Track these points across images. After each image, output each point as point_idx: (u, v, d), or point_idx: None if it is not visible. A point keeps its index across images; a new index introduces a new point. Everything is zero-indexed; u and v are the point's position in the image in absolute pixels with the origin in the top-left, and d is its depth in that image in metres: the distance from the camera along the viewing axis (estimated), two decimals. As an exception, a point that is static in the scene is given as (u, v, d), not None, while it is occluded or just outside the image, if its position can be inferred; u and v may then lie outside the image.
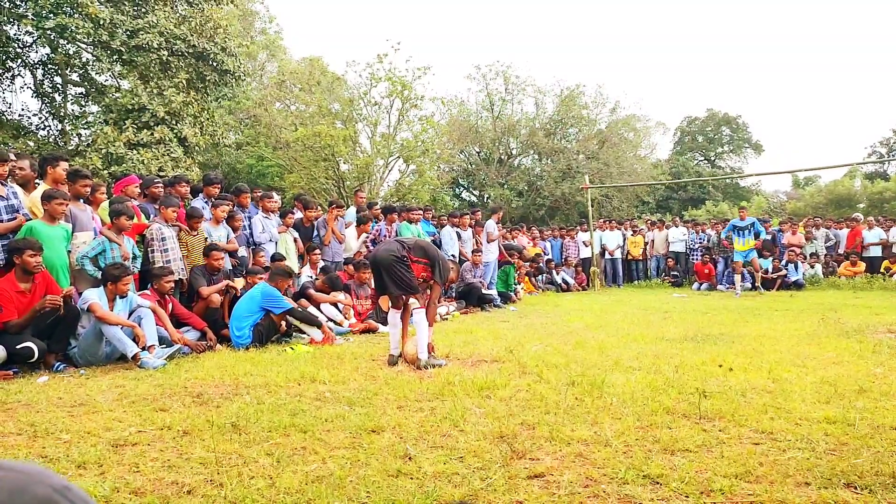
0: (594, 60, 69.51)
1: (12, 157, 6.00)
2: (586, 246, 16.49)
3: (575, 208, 27.48)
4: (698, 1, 72.71)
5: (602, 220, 18.30)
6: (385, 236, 9.51)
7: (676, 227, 17.19)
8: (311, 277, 8.30)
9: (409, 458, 2.74)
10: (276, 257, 7.91)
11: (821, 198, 30.97)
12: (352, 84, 21.61)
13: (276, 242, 8.46)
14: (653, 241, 17.16)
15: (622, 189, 27.79)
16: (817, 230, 15.83)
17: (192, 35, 14.46)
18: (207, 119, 16.02)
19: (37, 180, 6.32)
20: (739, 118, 42.66)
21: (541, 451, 2.83)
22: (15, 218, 5.48)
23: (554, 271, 15.56)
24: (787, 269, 14.03)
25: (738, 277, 12.86)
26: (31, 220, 5.55)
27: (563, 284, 15.35)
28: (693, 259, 15.99)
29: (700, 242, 16.10)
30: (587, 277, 15.98)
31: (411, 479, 2.51)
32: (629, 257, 17.13)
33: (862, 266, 14.46)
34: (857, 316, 7.99)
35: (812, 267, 14.86)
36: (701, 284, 14.95)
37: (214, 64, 15.38)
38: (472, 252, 11.37)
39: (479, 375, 4.46)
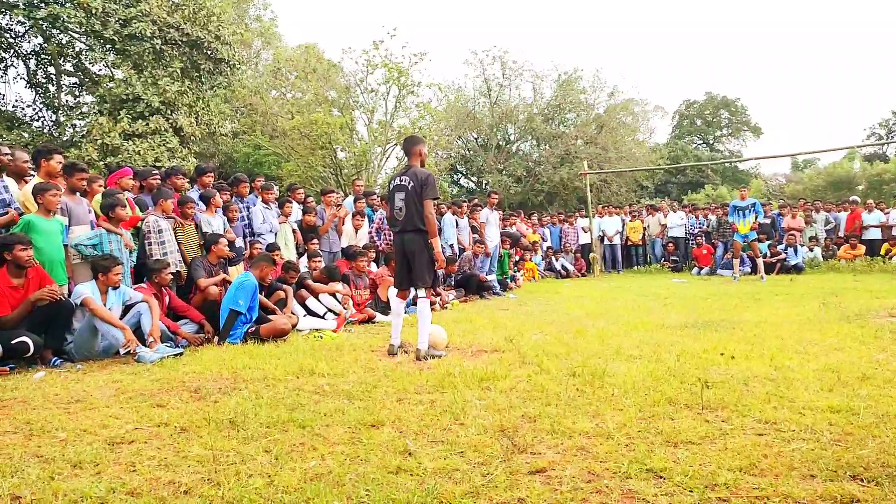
0: (592, 45, 69.21)
1: (4, 149, 5.93)
2: (585, 232, 16.45)
3: (574, 194, 27.38)
4: (696, -17, 72.17)
5: (601, 206, 18.22)
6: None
7: (675, 212, 17.13)
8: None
9: (409, 454, 2.70)
10: (272, 247, 7.85)
11: (820, 180, 30.93)
12: (348, 71, 21.43)
13: (276, 233, 8.40)
14: (648, 226, 17.13)
15: (621, 174, 27.65)
16: (817, 213, 15.79)
17: (185, 23, 14.32)
18: (203, 108, 15.90)
19: (31, 172, 6.24)
20: (738, 101, 42.53)
21: (542, 445, 2.79)
22: (7, 213, 5.41)
23: (553, 258, 15.52)
24: (786, 253, 13.99)
25: (736, 262, 12.81)
26: (23, 214, 5.48)
27: (562, 271, 15.32)
28: (692, 244, 15.96)
29: (700, 227, 16.05)
30: (586, 263, 15.96)
31: (411, 475, 2.47)
32: (628, 243, 17.09)
33: (861, 249, 14.43)
34: (858, 300, 7.96)
35: (811, 250, 14.82)
36: (700, 269, 14.94)
37: (209, 52, 15.25)
38: (475, 243, 11.28)
39: (479, 366, 4.43)
